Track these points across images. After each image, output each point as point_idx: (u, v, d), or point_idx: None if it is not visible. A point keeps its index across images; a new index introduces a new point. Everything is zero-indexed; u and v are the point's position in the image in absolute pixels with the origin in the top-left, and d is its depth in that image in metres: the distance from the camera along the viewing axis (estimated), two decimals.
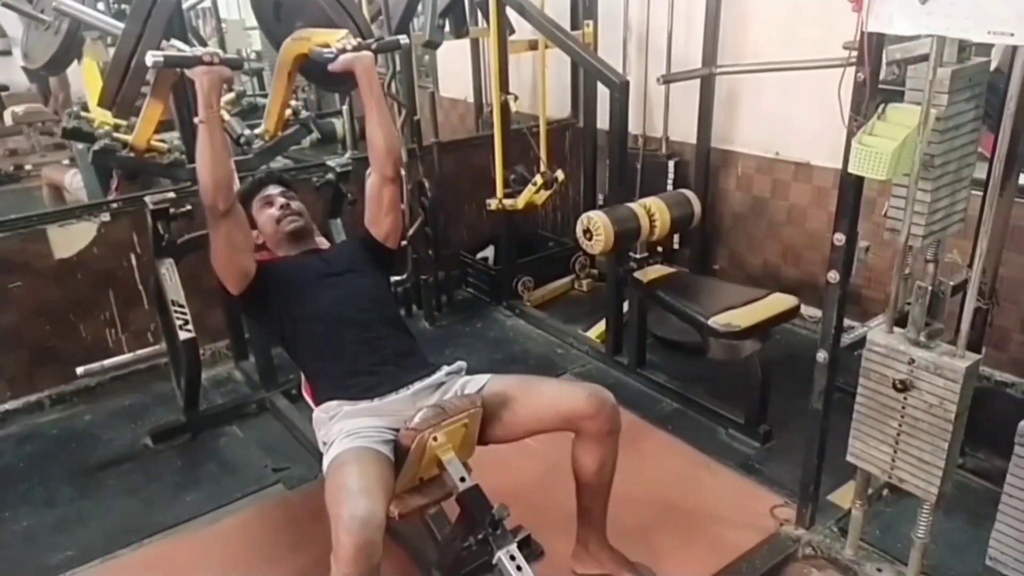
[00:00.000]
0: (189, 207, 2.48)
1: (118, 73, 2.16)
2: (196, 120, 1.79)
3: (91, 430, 2.82)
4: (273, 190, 2.11)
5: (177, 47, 2.15)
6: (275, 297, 1.92)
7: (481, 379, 1.86)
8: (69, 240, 2.84)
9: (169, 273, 2.47)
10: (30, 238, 2.77)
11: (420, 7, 3.29)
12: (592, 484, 1.84)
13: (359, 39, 2.09)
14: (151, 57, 1.82)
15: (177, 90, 2.62)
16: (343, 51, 2.01)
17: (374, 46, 2.08)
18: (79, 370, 2.57)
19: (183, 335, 2.45)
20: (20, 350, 2.85)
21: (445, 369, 1.90)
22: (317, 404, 1.86)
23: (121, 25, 2.23)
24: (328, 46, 2.08)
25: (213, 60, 1.81)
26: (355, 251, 2.13)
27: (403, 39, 2.26)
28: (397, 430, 1.68)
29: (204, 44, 3.72)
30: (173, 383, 2.89)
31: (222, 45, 4.98)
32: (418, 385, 1.83)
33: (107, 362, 2.61)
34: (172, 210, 2.43)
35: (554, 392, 1.83)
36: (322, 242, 2.24)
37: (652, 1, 3.55)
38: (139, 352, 2.76)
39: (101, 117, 2.86)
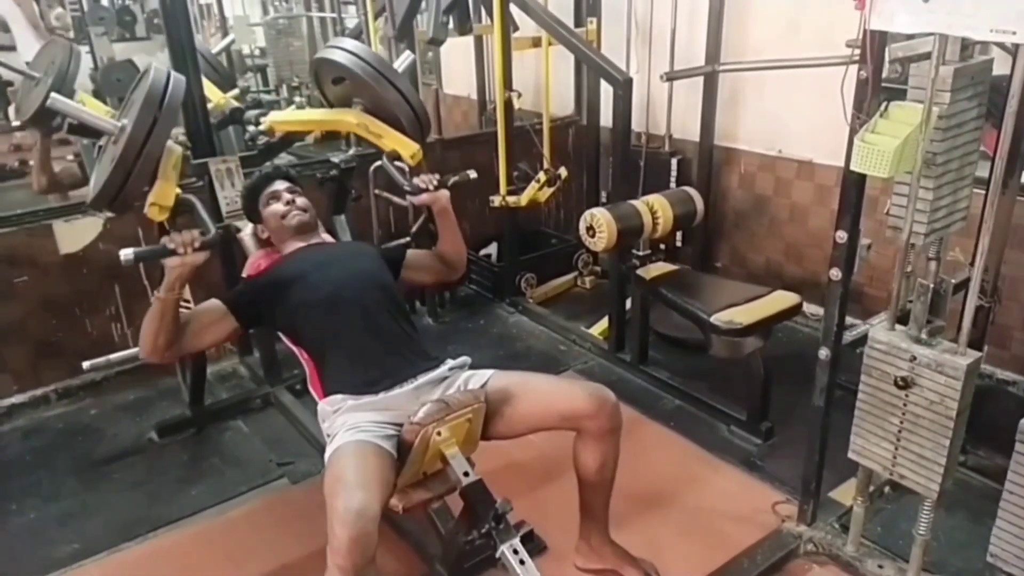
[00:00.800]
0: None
1: (119, 178, 2.00)
2: (154, 296, 1.72)
3: (97, 424, 2.84)
4: (279, 185, 2.14)
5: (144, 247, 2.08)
6: (274, 299, 1.92)
7: (484, 375, 1.87)
8: (75, 235, 2.86)
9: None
10: (36, 233, 2.79)
11: (424, 4, 3.30)
12: (594, 481, 1.86)
13: (436, 177, 2.09)
14: (122, 255, 1.68)
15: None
16: (424, 189, 2.05)
17: (450, 183, 2.12)
18: (85, 364, 2.58)
19: None
20: (26, 344, 2.86)
21: (449, 363, 1.91)
22: (323, 397, 1.87)
23: (113, 124, 2.11)
24: (397, 156, 2.22)
25: (186, 251, 1.66)
26: (364, 247, 2.17)
27: (472, 174, 2.25)
28: (400, 425, 1.70)
29: (210, 61, 3.73)
30: (178, 378, 2.90)
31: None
32: (422, 379, 1.84)
33: (113, 356, 2.61)
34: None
35: (555, 390, 1.84)
36: (327, 237, 2.25)
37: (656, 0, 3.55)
38: None
39: (104, 112, 2.88)
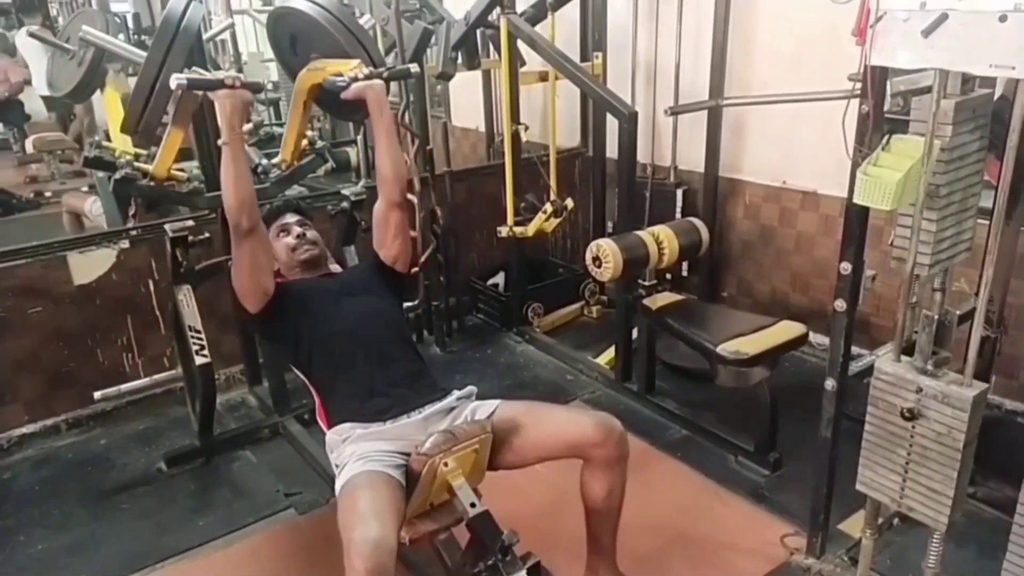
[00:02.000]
0: (207, 234, 2.54)
1: (141, 98, 2.21)
2: (220, 142, 1.85)
3: (106, 454, 2.85)
4: (290, 218, 2.18)
5: (199, 72, 2.21)
6: (292, 315, 1.96)
7: (491, 404, 1.88)
8: (88, 266, 2.90)
9: (186, 299, 2.51)
10: (50, 264, 2.83)
11: (434, 39, 3.36)
12: (601, 511, 1.85)
13: (371, 68, 2.14)
14: (175, 80, 1.88)
15: (197, 120, 2.69)
16: (355, 80, 2.07)
17: (385, 74, 2.14)
18: (96, 395, 2.61)
19: (199, 360, 2.49)
20: (38, 374, 2.89)
21: (456, 394, 1.92)
22: (330, 427, 1.88)
23: (143, 54, 2.28)
24: (341, 75, 2.14)
25: (235, 84, 1.87)
26: (368, 273, 2.18)
27: (414, 67, 2.31)
28: (408, 455, 1.70)
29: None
30: (188, 408, 2.92)
31: None
32: (429, 409, 1.86)
33: (124, 387, 2.65)
34: (191, 237, 2.48)
35: (563, 419, 1.85)
36: (335, 268, 2.28)
37: (660, 33, 3.61)
38: (155, 377, 2.80)
39: (122, 146, 2.94)
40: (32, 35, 3.41)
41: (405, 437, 1.77)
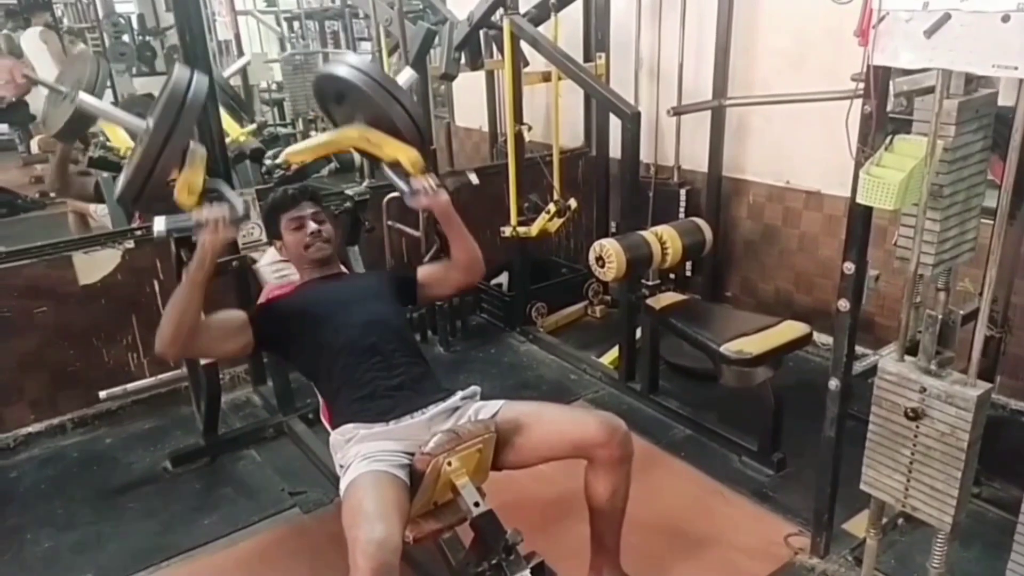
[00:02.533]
0: None
1: (142, 175, 2.05)
2: (184, 275, 1.78)
3: (112, 453, 2.87)
4: (305, 210, 2.10)
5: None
6: (293, 331, 1.96)
7: (495, 405, 1.89)
8: (93, 266, 2.91)
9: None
10: (55, 264, 2.84)
11: (437, 40, 3.37)
12: (605, 511, 1.86)
13: (433, 176, 2.11)
14: (156, 226, 1.88)
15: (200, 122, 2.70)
16: (418, 191, 2.06)
17: (451, 188, 2.16)
18: (102, 394, 2.62)
19: (203, 360, 2.50)
20: (44, 374, 2.90)
21: (459, 394, 1.93)
22: (334, 427, 1.89)
23: (141, 123, 2.16)
24: (398, 163, 2.16)
25: (218, 227, 1.76)
26: (378, 282, 2.18)
27: (473, 178, 2.35)
28: (412, 454, 1.71)
29: (228, 93, 3.82)
30: (193, 407, 2.93)
31: (244, 78, 5.10)
32: (433, 409, 1.86)
33: (129, 386, 2.66)
34: (195, 238, 2.48)
35: (566, 419, 1.86)
36: (341, 267, 2.29)
37: (663, 33, 3.62)
38: (160, 376, 2.81)
39: (125, 146, 2.96)
40: (26, 77, 3.44)
41: (409, 437, 1.78)
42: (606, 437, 1.76)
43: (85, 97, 2.14)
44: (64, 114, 2.97)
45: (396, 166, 2.20)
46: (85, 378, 2.93)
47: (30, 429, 2.92)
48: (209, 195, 2.22)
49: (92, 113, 2.22)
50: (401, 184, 2.14)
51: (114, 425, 3.02)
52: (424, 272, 2.20)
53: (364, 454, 1.74)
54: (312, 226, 2.08)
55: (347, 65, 2.28)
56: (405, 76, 2.60)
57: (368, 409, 1.85)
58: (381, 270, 2.35)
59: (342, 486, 1.72)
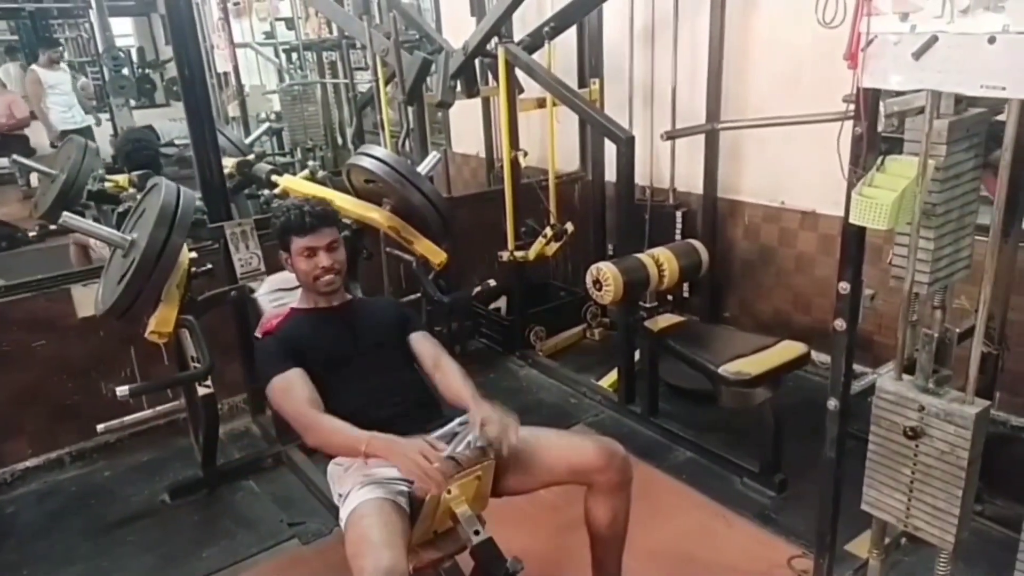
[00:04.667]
0: (210, 265, 2.55)
1: (133, 290, 2.08)
2: (356, 439, 1.71)
3: (110, 486, 2.85)
4: (322, 238, 1.95)
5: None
6: (305, 365, 1.91)
7: None
8: (92, 299, 2.91)
9: (190, 329, 2.52)
10: (54, 298, 2.85)
11: (433, 68, 3.41)
12: (605, 537, 1.84)
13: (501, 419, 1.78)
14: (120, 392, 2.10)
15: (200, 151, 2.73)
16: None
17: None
18: (99, 427, 2.60)
19: (202, 391, 2.49)
20: (42, 407, 2.90)
21: (458, 420, 1.92)
22: (332, 456, 1.88)
23: (127, 238, 2.18)
24: (426, 261, 2.41)
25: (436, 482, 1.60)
26: (388, 321, 2.10)
27: (492, 282, 2.53)
28: (411, 481, 1.70)
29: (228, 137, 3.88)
30: (191, 438, 2.92)
31: (243, 109, 5.16)
32: (432, 436, 1.85)
33: (127, 418, 2.64)
34: (193, 269, 2.49)
35: (565, 445, 1.85)
36: (346, 295, 2.17)
37: (656, 57, 3.66)
38: (158, 408, 2.80)
39: (123, 181, 2.98)
40: (15, 162, 3.55)
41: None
42: (605, 462, 1.75)
43: (68, 216, 2.18)
44: (51, 196, 3.03)
45: (424, 262, 2.36)
46: (83, 411, 2.92)
47: (28, 464, 2.90)
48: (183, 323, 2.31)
49: (74, 229, 2.25)
50: (433, 291, 2.18)
51: (112, 458, 3.01)
52: (417, 344, 2.06)
53: (363, 481, 1.73)
54: (324, 260, 1.95)
55: (375, 159, 2.51)
56: (429, 163, 2.77)
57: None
58: (388, 302, 2.30)
59: (343, 515, 1.71)
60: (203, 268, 2.51)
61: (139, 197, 2.45)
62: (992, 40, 1.49)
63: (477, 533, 1.63)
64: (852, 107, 1.80)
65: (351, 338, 2.01)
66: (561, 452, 1.81)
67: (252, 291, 2.58)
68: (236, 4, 6.18)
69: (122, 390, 2.17)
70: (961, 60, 1.54)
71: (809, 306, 3.35)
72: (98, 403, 2.94)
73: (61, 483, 2.89)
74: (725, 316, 3.72)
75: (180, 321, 2.29)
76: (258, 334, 2.24)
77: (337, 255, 1.98)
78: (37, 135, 7.06)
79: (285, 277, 2.46)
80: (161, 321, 2.23)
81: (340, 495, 1.79)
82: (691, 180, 3.64)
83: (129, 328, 2.93)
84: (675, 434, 2.90)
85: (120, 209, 2.84)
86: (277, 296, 2.44)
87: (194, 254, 2.42)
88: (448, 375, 1.95)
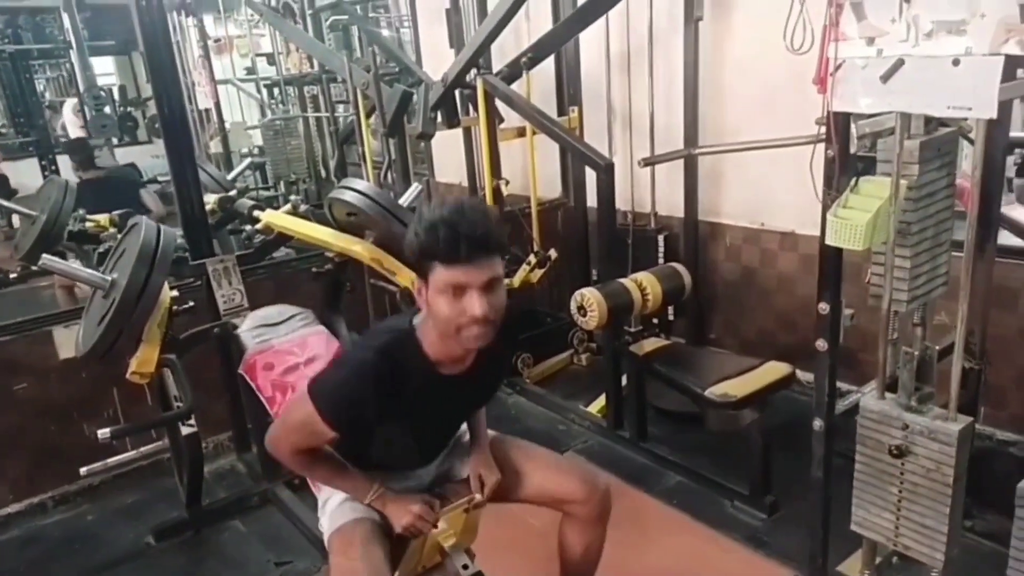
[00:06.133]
0: (192, 303, 2.53)
1: (114, 331, 2.05)
2: (353, 484, 1.62)
3: (94, 530, 2.80)
4: (475, 273, 1.37)
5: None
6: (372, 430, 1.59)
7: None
8: (74, 340, 2.88)
9: (172, 369, 2.50)
10: (36, 339, 2.82)
11: (414, 99, 3.44)
12: (576, 565, 1.82)
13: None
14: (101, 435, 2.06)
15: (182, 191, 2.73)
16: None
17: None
18: (82, 470, 2.56)
19: (185, 430, 2.46)
20: (23, 451, 2.85)
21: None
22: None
23: (107, 279, 2.16)
24: (410, 293, 2.12)
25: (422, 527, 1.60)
26: (492, 387, 1.84)
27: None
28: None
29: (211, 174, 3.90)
30: (176, 478, 2.88)
31: (225, 145, 5.17)
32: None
33: (110, 460, 2.60)
34: (175, 307, 2.48)
35: (552, 471, 1.81)
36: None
37: (633, 84, 3.71)
38: (142, 449, 2.75)
39: (104, 221, 2.97)
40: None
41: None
42: (585, 495, 1.73)
43: (48, 259, 2.18)
44: (31, 237, 3.04)
45: (408, 295, 2.28)
46: (66, 454, 2.87)
47: (9, 510, 2.85)
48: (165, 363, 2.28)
49: (54, 271, 2.25)
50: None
51: (96, 501, 2.96)
52: None
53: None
54: (477, 306, 1.37)
55: (357, 193, 2.51)
56: (411, 194, 2.78)
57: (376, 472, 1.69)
58: (502, 363, 1.85)
59: (324, 524, 1.67)
60: (185, 306, 2.50)
61: (119, 237, 2.44)
62: (956, 62, 1.52)
63: (466, 567, 1.62)
64: (824, 130, 1.83)
65: (452, 410, 1.71)
66: (546, 477, 1.78)
67: (235, 327, 2.56)
68: (217, 41, 6.24)
69: (104, 433, 2.14)
70: (928, 82, 1.57)
71: (793, 325, 3.37)
72: (81, 445, 2.90)
73: (44, 528, 2.83)
74: (710, 337, 3.72)
75: (162, 361, 2.27)
76: (240, 372, 2.22)
77: (495, 298, 1.40)
78: (18, 174, 7.03)
79: (268, 313, 2.46)
80: (143, 361, 2.21)
81: (323, 507, 1.73)
82: (672, 203, 3.67)
83: (111, 369, 2.93)
84: (664, 458, 2.89)
85: (101, 249, 2.83)
86: (260, 332, 2.41)
87: (175, 292, 2.40)
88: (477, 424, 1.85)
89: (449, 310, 1.38)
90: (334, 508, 1.68)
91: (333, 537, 1.63)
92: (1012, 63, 1.59)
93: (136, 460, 2.79)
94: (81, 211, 3.17)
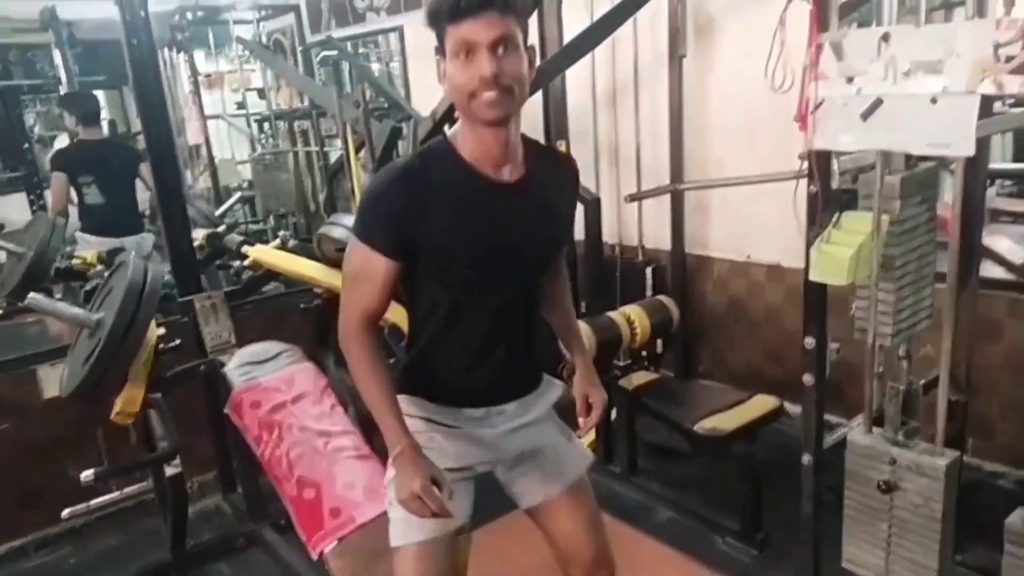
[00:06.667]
0: (178, 341, 2.52)
1: (100, 368, 2.03)
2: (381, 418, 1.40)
3: (76, 573, 2.74)
4: (481, 29, 1.24)
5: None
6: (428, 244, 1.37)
7: (572, 463, 1.67)
8: (59, 379, 2.85)
9: (157, 408, 2.47)
10: (20, 378, 2.78)
11: (403, 134, 3.46)
12: None
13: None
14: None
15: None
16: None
17: None
18: (64, 513, 2.51)
19: (170, 471, 2.43)
20: (4, 494, 2.79)
21: (543, 404, 1.62)
22: (406, 374, 1.54)
23: (94, 317, 2.15)
24: (398, 328, 1.83)
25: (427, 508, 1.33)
26: (563, 221, 1.57)
27: None
28: (471, 468, 1.50)
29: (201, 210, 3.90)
30: (160, 519, 2.83)
31: (214, 180, 5.18)
32: (508, 423, 1.55)
33: (93, 502, 2.56)
34: (161, 345, 2.46)
35: (573, 524, 1.64)
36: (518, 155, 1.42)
37: (619, 119, 3.75)
38: (126, 490, 2.71)
39: (91, 258, 2.96)
40: None
41: (473, 448, 1.52)
42: (590, 569, 1.63)
43: (34, 298, 2.17)
44: (18, 275, 3.02)
45: (395, 329, 2.13)
46: (48, 496, 2.81)
47: None
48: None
49: (40, 310, 2.23)
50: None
51: (79, 544, 2.89)
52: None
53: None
54: (487, 65, 1.25)
55: (344, 228, 2.48)
56: None
57: (452, 387, 1.51)
58: (569, 172, 1.60)
59: (392, 522, 1.48)
60: (171, 344, 2.48)
61: (106, 275, 2.43)
62: (934, 101, 1.55)
63: None
64: (806, 164, 1.85)
65: (516, 232, 1.41)
66: (564, 526, 1.63)
67: (222, 365, 2.54)
68: (208, 77, 6.28)
69: (87, 475, 2.11)
70: (907, 120, 1.60)
71: (781, 358, 3.37)
72: (63, 487, 2.84)
73: (25, 573, 2.77)
74: (699, 370, 3.72)
75: (147, 400, 2.24)
76: (226, 411, 2.21)
77: (509, 62, 1.26)
78: (5, 210, 7.00)
79: (255, 350, 2.45)
80: (127, 401, 2.19)
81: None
82: (659, 236, 3.69)
83: (96, 408, 2.89)
84: (655, 493, 2.87)
85: (88, 287, 2.81)
86: (247, 370, 2.41)
87: (162, 330, 2.38)
88: (567, 311, 1.70)
89: (460, 75, 1.27)
90: (400, 518, 1.45)
91: (396, 557, 1.49)
92: (989, 100, 1.63)
93: (120, 501, 2.74)
94: (68, 247, 3.16)
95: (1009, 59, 1.44)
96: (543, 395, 1.63)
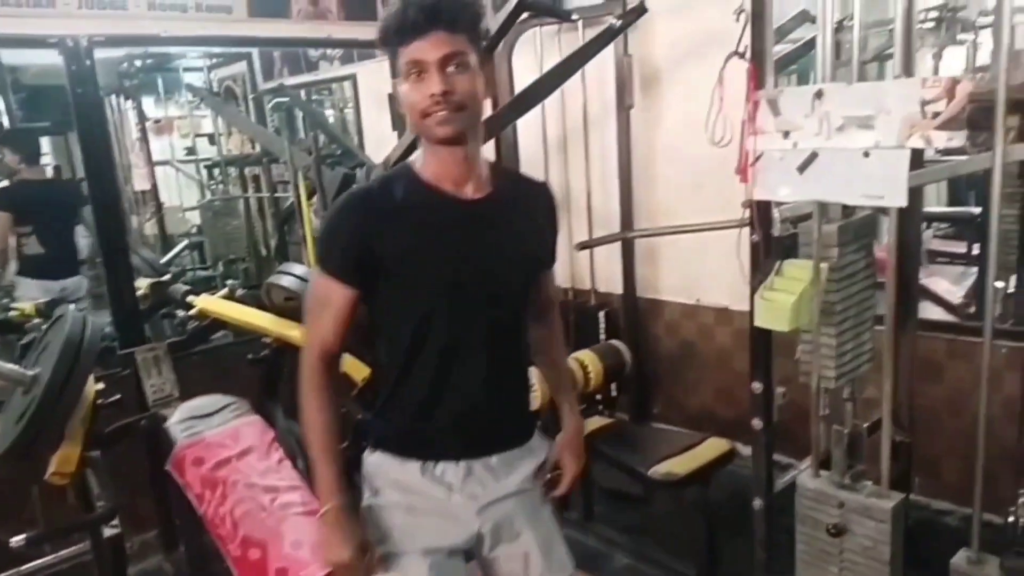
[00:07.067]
0: (119, 395, 2.43)
1: (35, 427, 1.96)
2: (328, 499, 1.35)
3: None
4: (433, 48, 1.24)
5: None
6: (390, 269, 1.33)
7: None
8: None
9: (94, 466, 2.37)
10: None
11: (357, 180, 3.45)
12: None
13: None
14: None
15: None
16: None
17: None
18: None
19: (107, 532, 2.32)
20: None
21: (530, 464, 1.52)
22: (376, 437, 1.47)
23: (29, 374, 2.07)
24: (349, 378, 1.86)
25: None
26: (536, 245, 1.50)
27: None
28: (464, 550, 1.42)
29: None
30: None
31: (161, 228, 5.09)
32: (495, 488, 1.44)
33: (24, 568, 2.44)
34: (101, 400, 2.37)
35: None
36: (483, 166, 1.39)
37: (570, 166, 3.82)
38: (61, 553, 2.57)
39: (29, 309, 2.87)
40: None
41: (460, 515, 1.42)
42: None
43: None
44: None
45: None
46: None
47: None
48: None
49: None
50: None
51: None
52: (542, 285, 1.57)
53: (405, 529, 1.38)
54: (436, 82, 1.24)
55: (294, 276, 2.50)
56: None
57: (425, 427, 1.40)
58: (542, 192, 1.58)
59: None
60: (111, 399, 2.40)
61: (44, 328, 2.35)
62: (867, 154, 1.62)
63: None
64: (747, 213, 1.91)
65: (488, 256, 1.37)
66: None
67: (164, 420, 2.46)
68: (158, 122, 6.20)
69: (17, 541, 2.00)
70: (841, 172, 1.67)
71: (732, 399, 3.41)
72: None
73: None
74: (654, 412, 3.74)
75: (84, 458, 2.15)
76: (168, 467, 2.13)
77: (459, 79, 1.25)
78: None
79: (200, 404, 2.38)
80: (64, 461, 2.10)
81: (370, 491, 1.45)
82: (611, 280, 3.74)
83: (30, 467, 2.76)
84: (612, 540, 2.85)
85: (24, 340, 2.71)
86: (190, 424, 2.34)
87: (101, 384, 2.30)
88: (556, 361, 1.63)
89: (412, 94, 1.27)
90: (402, 557, 1.38)
91: None
92: (920, 152, 1.71)
93: (55, 565, 2.60)
94: (5, 300, 3.06)
95: (935, 115, 1.52)
96: (532, 454, 1.53)
